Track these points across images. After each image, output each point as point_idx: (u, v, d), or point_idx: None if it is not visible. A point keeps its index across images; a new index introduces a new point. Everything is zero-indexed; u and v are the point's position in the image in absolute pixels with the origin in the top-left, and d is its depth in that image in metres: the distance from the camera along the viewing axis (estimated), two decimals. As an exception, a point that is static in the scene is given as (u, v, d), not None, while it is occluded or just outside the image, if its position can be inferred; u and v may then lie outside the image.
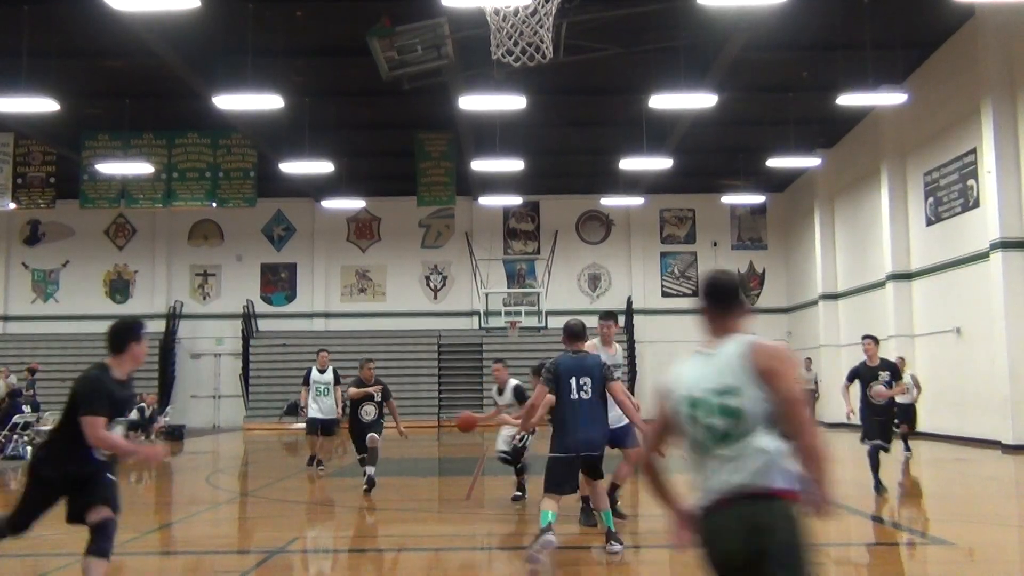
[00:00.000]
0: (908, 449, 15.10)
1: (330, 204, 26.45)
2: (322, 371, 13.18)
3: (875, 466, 10.32)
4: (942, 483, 12.19)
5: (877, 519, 8.81)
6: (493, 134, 20.41)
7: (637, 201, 26.48)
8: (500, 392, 10.10)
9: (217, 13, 14.49)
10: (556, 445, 6.89)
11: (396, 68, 15.10)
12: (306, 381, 13.27)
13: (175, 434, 21.67)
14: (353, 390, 11.12)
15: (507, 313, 26.88)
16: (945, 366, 18.24)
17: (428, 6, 13.77)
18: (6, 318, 28.69)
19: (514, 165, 21.23)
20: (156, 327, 28.25)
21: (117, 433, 5.06)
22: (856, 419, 10.70)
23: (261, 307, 28.90)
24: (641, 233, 29.12)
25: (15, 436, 17.13)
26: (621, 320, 28.01)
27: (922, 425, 15.58)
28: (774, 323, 28.86)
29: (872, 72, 16.53)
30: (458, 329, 28.46)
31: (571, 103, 21.04)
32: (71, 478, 5.00)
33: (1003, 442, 15.91)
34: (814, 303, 25.88)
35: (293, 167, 21.37)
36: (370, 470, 10.66)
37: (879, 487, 10.16)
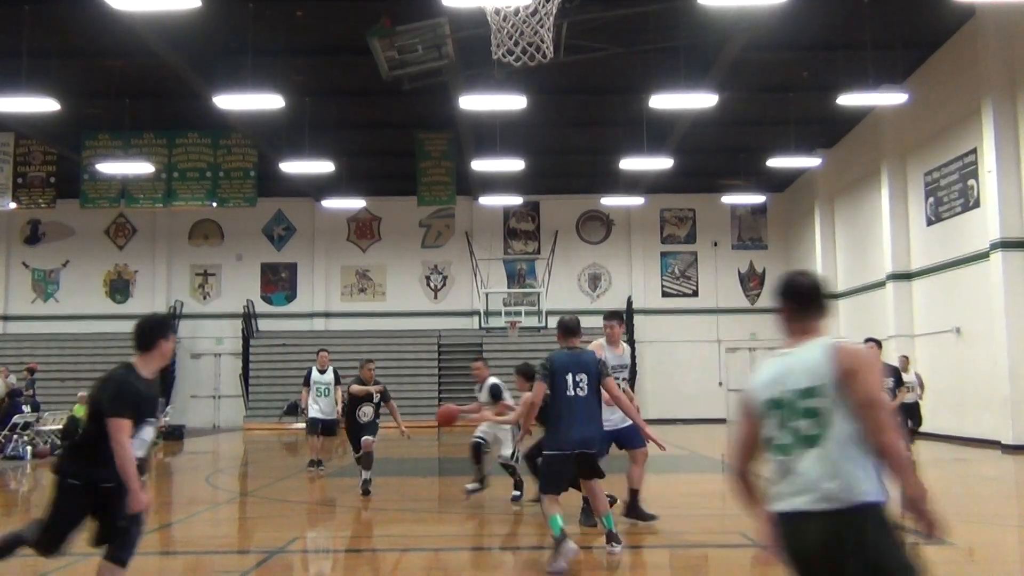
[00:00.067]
0: (908, 450, 15.12)
1: (330, 204, 26.45)
2: (322, 371, 13.17)
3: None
4: (942, 483, 12.18)
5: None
6: (493, 134, 20.41)
7: (637, 201, 26.48)
8: (480, 389, 10.15)
9: (217, 13, 14.48)
10: (551, 442, 6.79)
11: (396, 68, 15.10)
12: (306, 382, 13.26)
13: (175, 434, 21.66)
14: (356, 387, 11.09)
15: (507, 313, 26.88)
16: (945, 366, 18.24)
17: (428, 6, 13.76)
18: (6, 318, 28.70)
19: (514, 165, 21.23)
20: (156, 327, 28.24)
21: (148, 435, 4.88)
22: None
23: (261, 307, 28.90)
24: (641, 233, 29.12)
25: (15, 436, 17.13)
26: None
27: (923, 425, 15.52)
28: (774, 323, 28.80)
29: (872, 72, 16.53)
30: (458, 329, 28.46)
31: (571, 103, 21.04)
32: (99, 485, 4.74)
33: (1003, 442, 15.91)
34: (814, 303, 25.83)
35: (293, 167, 21.37)
36: (366, 474, 10.65)
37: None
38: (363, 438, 10.83)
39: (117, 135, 21.16)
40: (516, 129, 20.61)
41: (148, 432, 4.88)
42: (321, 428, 13.12)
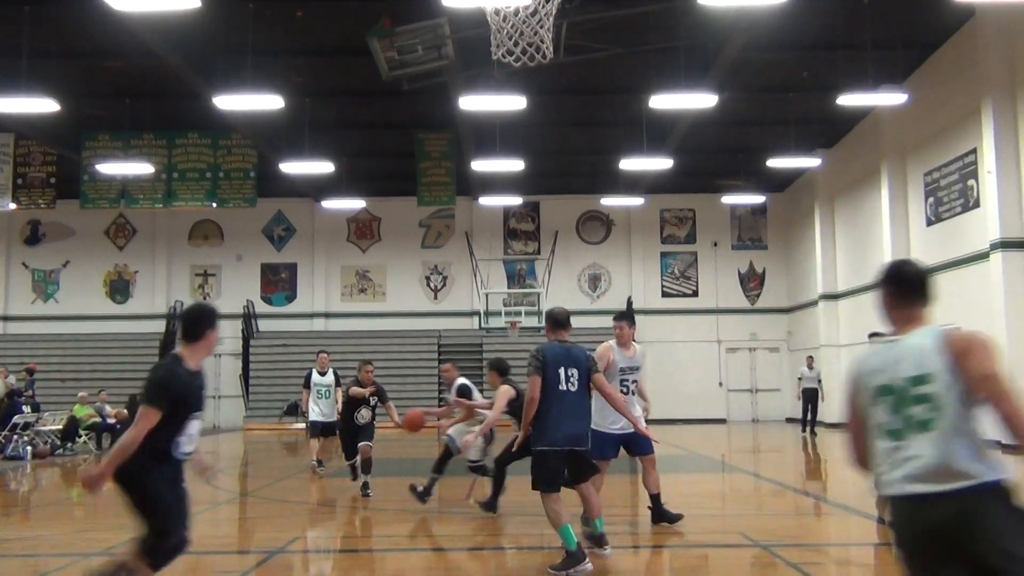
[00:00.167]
0: None
1: (330, 204, 26.46)
2: (322, 373, 13.16)
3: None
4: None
5: (877, 519, 8.81)
6: (493, 134, 20.42)
7: (637, 201, 26.49)
8: (449, 390, 10.01)
9: (217, 13, 14.48)
10: (542, 439, 6.52)
11: (396, 68, 15.10)
12: (307, 384, 13.24)
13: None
14: (354, 388, 11.08)
15: (507, 313, 26.87)
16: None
17: (428, 6, 13.76)
18: (6, 318, 28.70)
19: (514, 165, 21.23)
20: (156, 327, 28.28)
21: (195, 429, 4.76)
22: None
23: (261, 307, 28.90)
24: (641, 233, 29.12)
25: (15, 436, 17.14)
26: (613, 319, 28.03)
27: None
28: (774, 323, 28.88)
29: (872, 72, 16.53)
30: (458, 329, 28.46)
31: (571, 103, 21.05)
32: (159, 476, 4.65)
33: (1003, 442, 15.86)
34: (814, 303, 25.88)
35: (293, 167, 21.37)
36: (365, 477, 10.65)
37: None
38: (360, 444, 10.79)
39: (117, 135, 21.17)
40: (516, 129, 20.62)
41: (195, 427, 4.74)
42: (322, 430, 13.10)
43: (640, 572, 7.06)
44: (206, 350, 4.84)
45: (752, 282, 29.27)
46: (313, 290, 28.96)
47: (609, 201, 27.07)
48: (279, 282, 29.22)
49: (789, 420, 27.27)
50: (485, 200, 26.72)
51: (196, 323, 4.88)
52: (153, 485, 4.62)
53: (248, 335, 27.98)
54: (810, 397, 21.84)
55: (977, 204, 17.28)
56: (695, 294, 29.11)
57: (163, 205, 22.31)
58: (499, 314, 27.12)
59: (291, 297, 29.12)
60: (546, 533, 7.92)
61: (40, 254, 28.94)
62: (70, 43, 16.49)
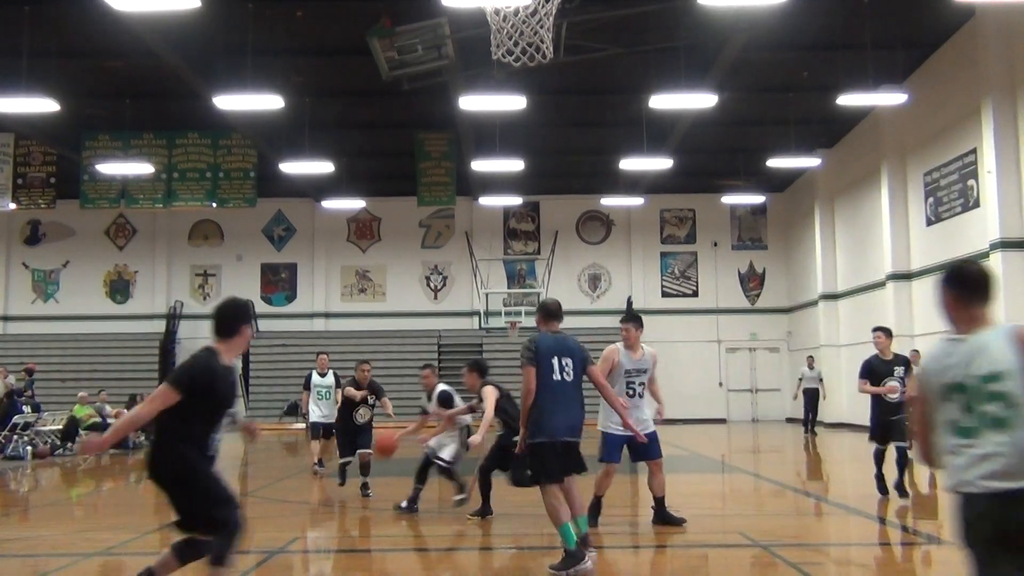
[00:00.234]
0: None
1: (330, 204, 26.46)
2: (322, 375, 13.14)
3: (880, 479, 9.78)
4: (942, 483, 12.20)
5: (877, 519, 8.81)
6: (493, 134, 20.41)
7: (637, 201, 26.49)
8: (429, 399, 9.70)
9: (217, 13, 14.48)
10: (536, 431, 6.40)
11: (396, 68, 15.10)
12: (307, 385, 13.23)
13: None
14: (349, 390, 11.05)
15: (507, 313, 26.87)
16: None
17: (428, 6, 13.76)
18: (6, 318, 28.70)
19: (514, 165, 21.23)
20: (156, 327, 28.29)
21: (222, 429, 4.76)
22: (896, 395, 9.57)
23: (261, 307, 28.85)
24: (641, 233, 29.12)
25: (15, 436, 17.14)
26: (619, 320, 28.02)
27: None
28: (774, 323, 28.87)
29: (872, 72, 16.53)
30: (458, 329, 28.46)
31: (571, 103, 21.04)
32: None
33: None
34: (814, 303, 25.88)
35: (293, 167, 21.37)
36: (364, 478, 10.64)
37: (899, 489, 9.56)
38: (359, 451, 10.75)
39: (117, 135, 21.16)
40: (516, 129, 20.62)
41: (225, 424, 4.74)
42: (323, 431, 13.09)
43: (640, 572, 7.06)
44: (241, 346, 4.81)
45: (752, 282, 29.27)
46: (313, 290, 28.96)
47: (609, 201, 27.07)
48: (279, 282, 29.22)
49: (789, 420, 27.27)
50: (485, 200, 26.72)
51: (231, 318, 4.82)
52: (205, 477, 4.65)
53: (248, 335, 27.93)
54: (811, 397, 21.84)
55: (977, 204, 17.27)
56: (695, 294, 29.11)
57: (163, 205, 22.30)
58: (499, 314, 27.12)
59: (291, 297, 29.12)
60: (546, 533, 7.93)
61: (40, 254, 28.94)
62: (70, 43, 16.48)
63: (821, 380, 22.11)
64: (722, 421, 27.84)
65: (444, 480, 9.55)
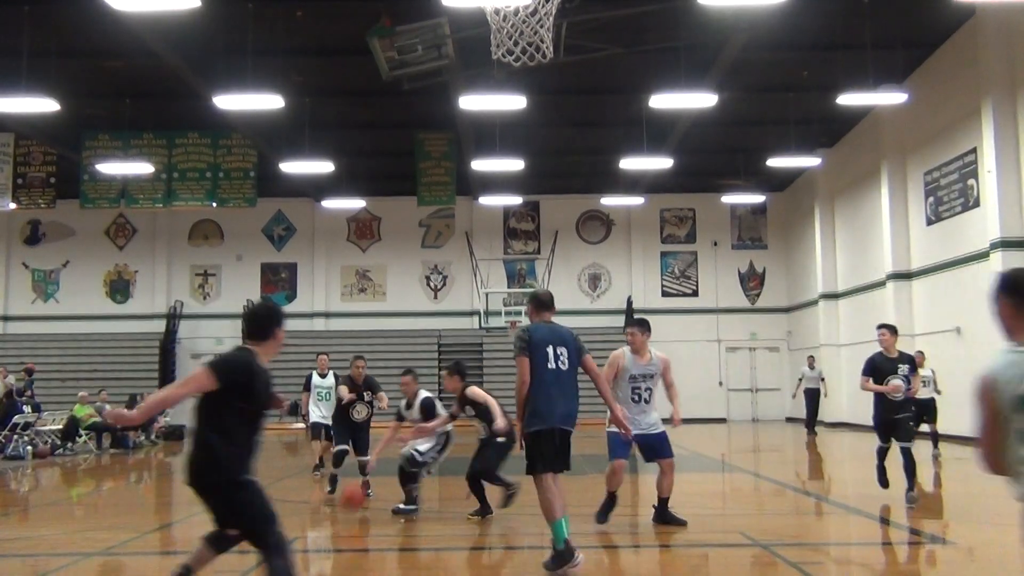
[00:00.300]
0: (937, 450, 14.56)
1: (330, 204, 26.46)
2: (323, 375, 13.12)
3: (881, 473, 9.60)
4: (942, 483, 12.20)
5: (877, 518, 8.80)
6: (493, 134, 20.42)
7: (637, 201, 26.49)
8: (408, 406, 9.39)
9: (217, 13, 14.49)
10: (533, 419, 6.27)
11: (396, 68, 15.10)
12: (307, 386, 13.19)
13: (175, 434, 21.66)
14: (343, 390, 10.96)
15: (507, 313, 26.86)
16: (945, 366, 18.22)
17: (428, 6, 13.77)
18: (6, 318, 28.70)
19: (514, 165, 21.24)
20: (156, 327, 28.29)
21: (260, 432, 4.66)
22: (899, 394, 9.30)
23: (261, 307, 28.85)
24: (641, 233, 29.13)
25: (15, 436, 17.14)
26: (620, 320, 28.00)
27: (939, 423, 15.32)
28: (774, 323, 28.88)
29: (872, 72, 16.53)
30: (458, 329, 28.47)
31: (571, 103, 21.05)
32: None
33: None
34: (814, 303, 25.88)
35: (293, 167, 21.38)
36: (364, 478, 10.61)
37: (910, 499, 9.20)
38: (359, 459, 10.68)
39: (117, 135, 21.17)
40: (516, 129, 20.62)
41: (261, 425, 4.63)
42: (324, 433, 13.06)
43: (640, 572, 7.06)
44: (274, 349, 4.75)
45: (752, 282, 29.27)
46: (313, 290, 28.97)
47: (609, 201, 27.08)
48: (279, 282, 29.22)
49: (789, 420, 27.28)
50: (485, 200, 26.72)
51: (265, 321, 4.77)
52: (251, 490, 4.50)
53: (248, 335, 27.93)
54: (812, 397, 21.78)
55: (977, 204, 17.27)
56: (695, 294, 29.11)
57: (163, 205, 22.31)
58: (499, 314, 27.12)
59: (291, 297, 29.11)
60: (547, 532, 7.93)
61: (40, 254, 28.94)
62: (70, 43, 16.49)
63: (823, 379, 22.08)
64: (722, 421, 27.84)
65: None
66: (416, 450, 9.03)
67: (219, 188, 21.67)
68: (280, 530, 4.54)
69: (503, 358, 22.04)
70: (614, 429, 7.92)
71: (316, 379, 13.10)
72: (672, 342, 27.90)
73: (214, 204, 22.16)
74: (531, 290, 28.11)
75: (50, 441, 17.94)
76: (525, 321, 28.30)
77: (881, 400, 9.41)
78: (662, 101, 16.50)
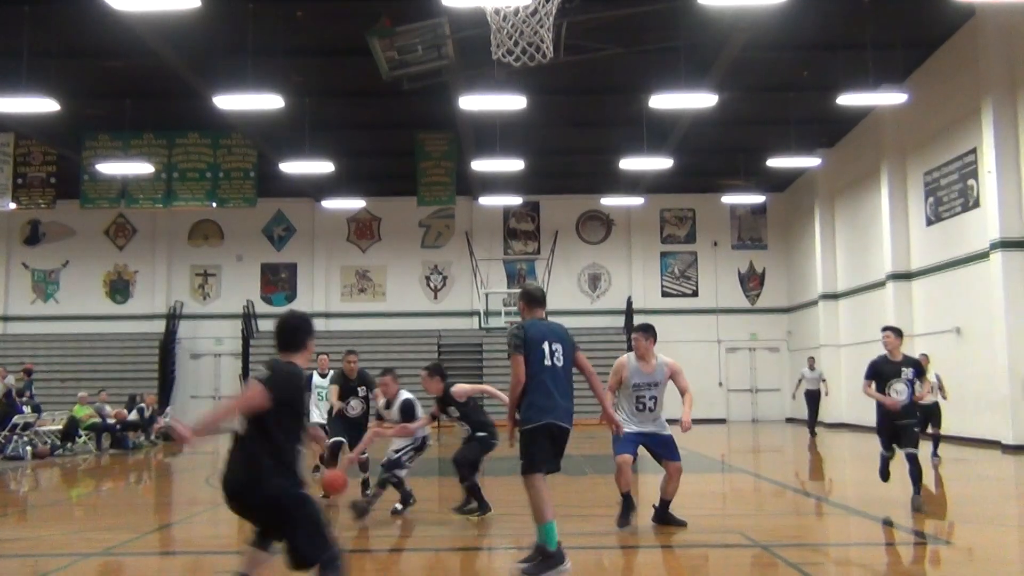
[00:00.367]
0: (936, 454, 14.21)
1: (330, 204, 26.46)
2: (323, 375, 13.10)
3: (884, 469, 9.45)
4: (942, 483, 12.19)
5: (877, 519, 8.80)
6: (493, 134, 20.41)
7: (637, 201, 26.49)
8: (388, 406, 9.24)
9: (217, 13, 14.48)
10: (529, 416, 6.15)
11: (396, 68, 15.10)
12: (308, 387, 13.15)
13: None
14: (334, 390, 10.84)
15: (507, 313, 26.86)
16: (945, 366, 18.22)
17: (428, 6, 13.77)
18: (6, 318, 28.69)
19: (514, 165, 21.24)
20: (156, 327, 28.29)
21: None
22: (903, 399, 9.05)
23: (261, 307, 28.89)
24: (641, 233, 29.12)
25: (15, 437, 17.13)
26: (620, 321, 28.03)
27: (943, 428, 15.21)
28: (774, 323, 28.87)
29: (872, 72, 16.53)
30: (458, 329, 28.47)
31: (571, 103, 21.04)
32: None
33: (1003, 442, 15.91)
34: (814, 303, 25.88)
35: (293, 167, 21.37)
36: (364, 475, 10.59)
37: (916, 506, 8.93)
38: (360, 461, 10.61)
39: (117, 135, 21.17)
40: (516, 129, 20.62)
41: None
42: (324, 433, 13.03)
43: (640, 572, 7.05)
44: (306, 360, 4.72)
45: (752, 282, 29.27)
46: (313, 290, 28.96)
47: (609, 201, 27.08)
48: (279, 282, 29.22)
49: (789, 420, 27.28)
50: (485, 200, 26.72)
51: (298, 332, 4.74)
52: (302, 506, 4.42)
53: (248, 335, 27.97)
54: (813, 398, 21.70)
55: (977, 204, 17.27)
56: (695, 294, 29.11)
57: (163, 205, 22.30)
58: (499, 314, 27.13)
59: (291, 297, 29.11)
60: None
61: (40, 254, 28.93)
62: (70, 43, 16.48)
63: (823, 380, 22.05)
64: (722, 421, 27.84)
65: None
66: (392, 451, 8.95)
67: (219, 188, 21.67)
68: (334, 547, 4.45)
69: (503, 359, 21.86)
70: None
71: (317, 379, 13.07)
72: (672, 342, 27.90)
73: (214, 204, 22.16)
74: (532, 285, 28.19)
75: (50, 441, 17.93)
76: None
77: (886, 408, 9.09)
78: (662, 101, 16.49)
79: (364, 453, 10.03)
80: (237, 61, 16.05)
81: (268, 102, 16.14)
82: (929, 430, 14.19)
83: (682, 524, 8.07)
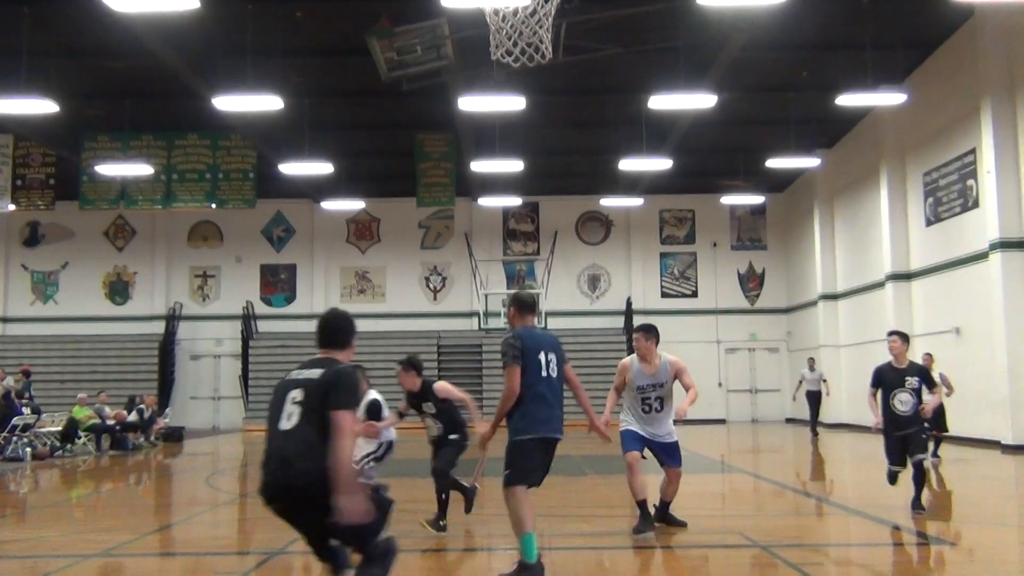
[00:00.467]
0: (937, 455, 14.02)
1: (330, 205, 26.46)
2: None
3: (892, 477, 9.09)
4: (942, 483, 12.19)
5: (877, 519, 8.79)
6: (493, 134, 20.41)
7: (637, 201, 26.49)
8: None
9: (217, 13, 14.48)
10: (522, 427, 5.92)
11: (396, 68, 15.10)
12: None
13: (174, 435, 21.65)
14: None
15: (507, 314, 26.82)
16: (945, 366, 18.21)
17: (428, 6, 13.77)
18: (6, 320, 28.68)
19: (514, 165, 21.24)
20: (155, 328, 28.28)
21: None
22: (907, 408, 8.82)
23: (261, 308, 28.89)
24: (641, 233, 29.13)
25: (14, 438, 17.12)
26: (620, 321, 28.03)
27: (948, 430, 15.14)
28: (774, 323, 28.88)
29: (872, 72, 16.53)
30: (458, 330, 28.46)
31: (571, 103, 21.04)
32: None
33: (1003, 442, 15.91)
34: (814, 303, 25.88)
35: (293, 168, 21.37)
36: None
37: (916, 506, 8.78)
38: None
39: (116, 136, 21.17)
40: (515, 130, 20.61)
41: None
42: None
43: (639, 572, 7.05)
44: (347, 357, 4.68)
45: (751, 282, 29.27)
46: (312, 291, 28.96)
47: (608, 201, 27.08)
48: (278, 283, 29.21)
49: (789, 420, 27.28)
50: (484, 201, 26.71)
51: (346, 331, 4.72)
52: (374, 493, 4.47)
53: (247, 336, 27.97)
54: (814, 399, 21.62)
55: (976, 204, 17.27)
56: (694, 294, 29.11)
57: (162, 206, 22.30)
58: (499, 315, 27.09)
59: (290, 298, 29.12)
60: (547, 533, 7.92)
61: (39, 255, 28.93)
62: (70, 43, 16.48)
63: (824, 380, 22.02)
64: (722, 422, 27.84)
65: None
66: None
67: (218, 189, 21.66)
68: (387, 537, 4.48)
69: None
70: (626, 427, 7.89)
71: None
72: (671, 343, 27.87)
73: (213, 205, 22.16)
74: (530, 291, 28.18)
75: (49, 443, 17.91)
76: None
77: (889, 417, 8.83)
78: (661, 101, 16.49)
79: None
80: (236, 62, 16.05)
81: (267, 103, 16.14)
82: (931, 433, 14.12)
83: (682, 524, 8.07)
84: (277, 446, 4.41)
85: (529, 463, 5.92)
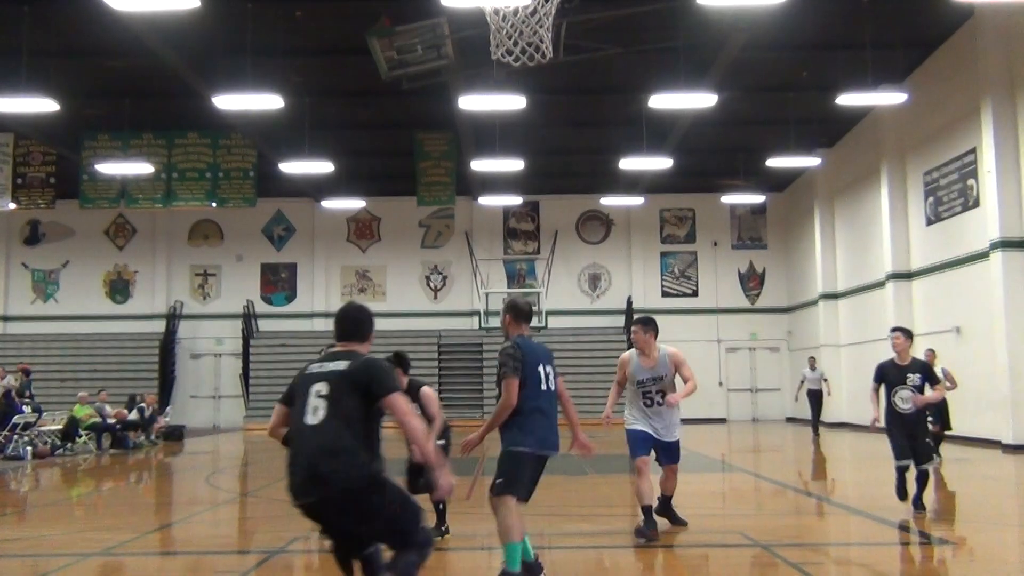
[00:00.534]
0: (937, 454, 13.76)
1: (330, 204, 26.46)
2: None
3: (901, 487, 8.85)
4: (942, 483, 12.19)
5: (878, 519, 8.80)
6: (493, 134, 20.41)
7: (637, 201, 26.49)
8: None
9: (217, 13, 14.49)
10: (523, 439, 5.71)
11: (396, 68, 15.10)
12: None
13: (175, 434, 21.66)
14: None
15: (507, 313, 26.82)
16: (945, 366, 18.23)
17: (428, 6, 13.77)
18: (6, 318, 28.69)
19: (514, 165, 21.24)
20: (156, 327, 28.28)
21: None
22: (881, 425, 8.95)
23: (261, 307, 28.89)
24: (641, 233, 29.12)
25: (15, 437, 17.13)
26: (620, 320, 28.03)
27: (951, 428, 15.08)
28: (774, 323, 28.88)
29: (872, 72, 16.53)
30: (458, 329, 28.47)
31: (571, 103, 21.04)
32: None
33: (1003, 442, 15.90)
34: (814, 303, 25.88)
35: (293, 167, 21.37)
36: None
37: (917, 504, 8.78)
38: None
39: (117, 135, 21.17)
40: (516, 129, 20.62)
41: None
42: None
43: (639, 572, 7.05)
44: (368, 351, 4.75)
45: (752, 282, 29.27)
46: (313, 290, 28.96)
47: (609, 201, 27.08)
48: (279, 282, 29.21)
49: (789, 420, 27.28)
50: (485, 200, 26.72)
51: (366, 323, 4.81)
52: (396, 485, 4.41)
53: (248, 335, 27.98)
54: (816, 398, 21.60)
55: (977, 204, 17.27)
56: (695, 294, 29.11)
57: (163, 205, 22.31)
58: (499, 314, 27.07)
59: (291, 297, 29.12)
60: (546, 533, 7.93)
61: (40, 254, 28.94)
62: (70, 43, 16.48)
63: (825, 380, 22.00)
64: (722, 421, 27.84)
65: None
66: None
67: (219, 188, 21.67)
68: (425, 527, 4.46)
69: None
70: (633, 427, 7.85)
71: None
72: (672, 342, 27.87)
73: (214, 204, 22.16)
74: (531, 290, 28.20)
75: (50, 441, 17.93)
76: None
77: (894, 418, 8.74)
78: (661, 101, 16.49)
79: None
80: (236, 61, 16.05)
81: (268, 102, 16.14)
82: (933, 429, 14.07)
83: (683, 523, 8.08)
84: (304, 442, 4.38)
85: (520, 475, 5.76)
